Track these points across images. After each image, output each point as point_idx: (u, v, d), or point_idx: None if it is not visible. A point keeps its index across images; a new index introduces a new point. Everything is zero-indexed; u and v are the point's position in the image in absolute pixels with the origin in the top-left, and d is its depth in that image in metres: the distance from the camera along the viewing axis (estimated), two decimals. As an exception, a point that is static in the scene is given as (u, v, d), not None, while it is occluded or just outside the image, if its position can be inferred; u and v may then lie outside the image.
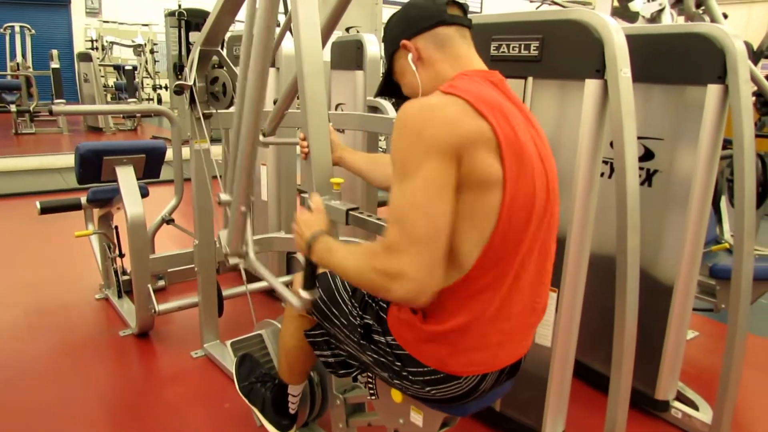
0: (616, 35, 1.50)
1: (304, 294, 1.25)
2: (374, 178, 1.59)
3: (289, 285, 2.11)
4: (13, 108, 8.00)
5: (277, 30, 1.98)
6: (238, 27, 2.93)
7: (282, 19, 1.84)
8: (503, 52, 1.72)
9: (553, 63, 1.63)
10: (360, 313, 1.23)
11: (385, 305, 1.21)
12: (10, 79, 8.69)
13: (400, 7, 1.23)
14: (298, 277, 1.36)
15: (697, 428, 1.99)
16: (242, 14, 1.67)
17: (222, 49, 2.09)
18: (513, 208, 1.03)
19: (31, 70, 8.50)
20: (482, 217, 1.02)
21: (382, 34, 1.27)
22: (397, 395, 1.32)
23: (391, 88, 1.30)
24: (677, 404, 2.07)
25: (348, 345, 1.30)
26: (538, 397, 1.81)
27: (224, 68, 2.08)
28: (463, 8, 1.21)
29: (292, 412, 1.64)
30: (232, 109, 2.01)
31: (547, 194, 1.12)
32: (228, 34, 2.72)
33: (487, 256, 1.04)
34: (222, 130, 2.34)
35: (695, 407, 2.06)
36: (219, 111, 2.17)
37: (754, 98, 3.18)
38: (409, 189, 0.97)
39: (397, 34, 1.20)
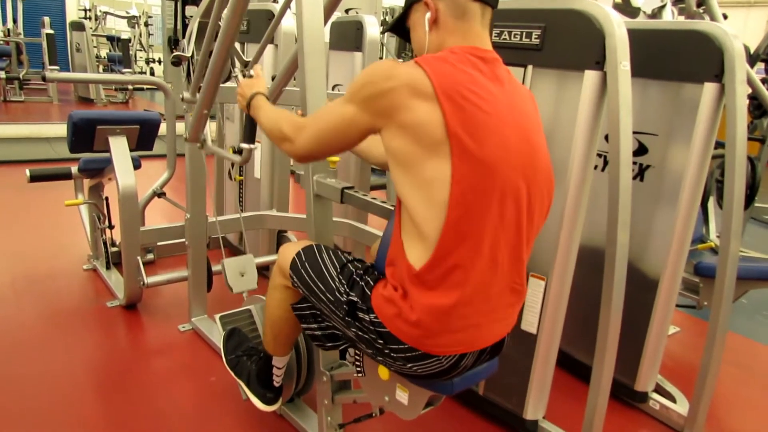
0: (617, 28, 1.51)
1: (245, 145, 1.68)
2: (370, 156, 1.59)
3: (270, 266, 2.07)
4: (2, 74, 7.86)
5: (278, 6, 1.98)
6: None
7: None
8: (504, 39, 1.72)
9: (554, 52, 1.64)
10: (347, 290, 1.24)
11: (372, 282, 1.22)
12: (1, 45, 8.52)
13: None
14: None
15: (673, 420, 2.04)
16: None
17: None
18: (466, 184, 1.05)
19: (21, 36, 8.34)
20: (431, 188, 1.06)
21: None
22: (384, 373, 1.33)
23: (401, 31, 1.31)
24: (656, 396, 2.11)
25: (333, 320, 1.31)
26: (520, 383, 1.84)
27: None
28: None
29: (276, 385, 1.64)
30: (229, 84, 2.00)
31: (528, 176, 1.13)
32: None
33: (450, 231, 1.06)
34: (218, 105, 2.33)
35: (673, 399, 2.11)
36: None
37: (747, 101, 3.22)
38: (336, 109, 1.20)
39: None
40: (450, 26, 1.17)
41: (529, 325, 1.78)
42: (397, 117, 1.08)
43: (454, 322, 1.12)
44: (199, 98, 1.94)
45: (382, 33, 1.75)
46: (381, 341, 1.18)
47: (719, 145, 1.94)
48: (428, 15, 1.18)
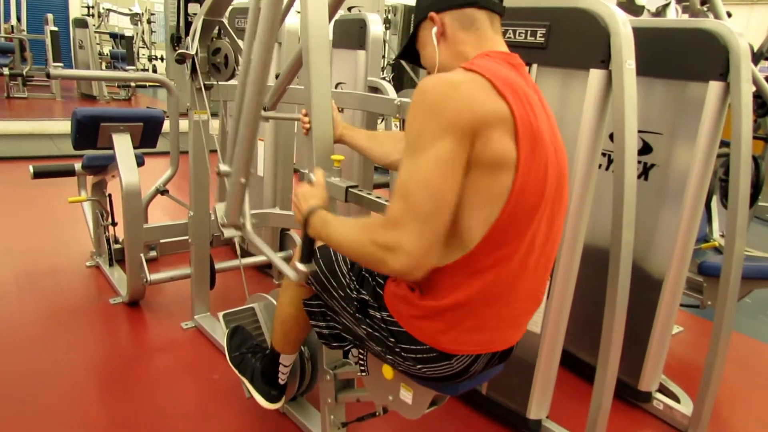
0: (622, 26, 1.50)
1: (301, 267, 1.29)
2: (374, 155, 1.59)
3: (287, 260, 2.09)
4: (5, 71, 7.87)
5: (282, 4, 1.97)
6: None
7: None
8: (509, 38, 1.72)
9: (559, 51, 1.63)
10: (357, 287, 1.24)
11: (381, 281, 1.21)
12: (4, 42, 8.52)
13: None
14: (297, 251, 1.37)
15: (677, 420, 2.03)
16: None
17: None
18: (523, 191, 1.03)
19: (25, 33, 8.34)
20: (491, 197, 1.02)
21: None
22: (388, 372, 1.33)
23: (412, 55, 1.29)
24: (659, 396, 2.11)
25: (344, 317, 1.31)
26: (524, 382, 1.83)
27: (227, 39, 2.05)
28: None
29: (281, 382, 1.65)
30: (233, 81, 2.00)
31: (558, 181, 1.12)
32: (231, 6, 2.69)
33: (492, 236, 1.04)
34: (221, 103, 2.32)
35: (676, 399, 2.10)
36: (220, 83, 2.15)
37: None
38: (418, 164, 0.97)
39: (427, 4, 1.19)
40: (459, 37, 1.16)
41: (533, 324, 1.77)
42: (477, 125, 0.97)
43: (471, 321, 1.11)
44: (234, 167, 1.67)
45: (395, 60, 1.65)
46: (393, 339, 1.18)
47: (724, 144, 1.93)
48: (434, 30, 1.16)
